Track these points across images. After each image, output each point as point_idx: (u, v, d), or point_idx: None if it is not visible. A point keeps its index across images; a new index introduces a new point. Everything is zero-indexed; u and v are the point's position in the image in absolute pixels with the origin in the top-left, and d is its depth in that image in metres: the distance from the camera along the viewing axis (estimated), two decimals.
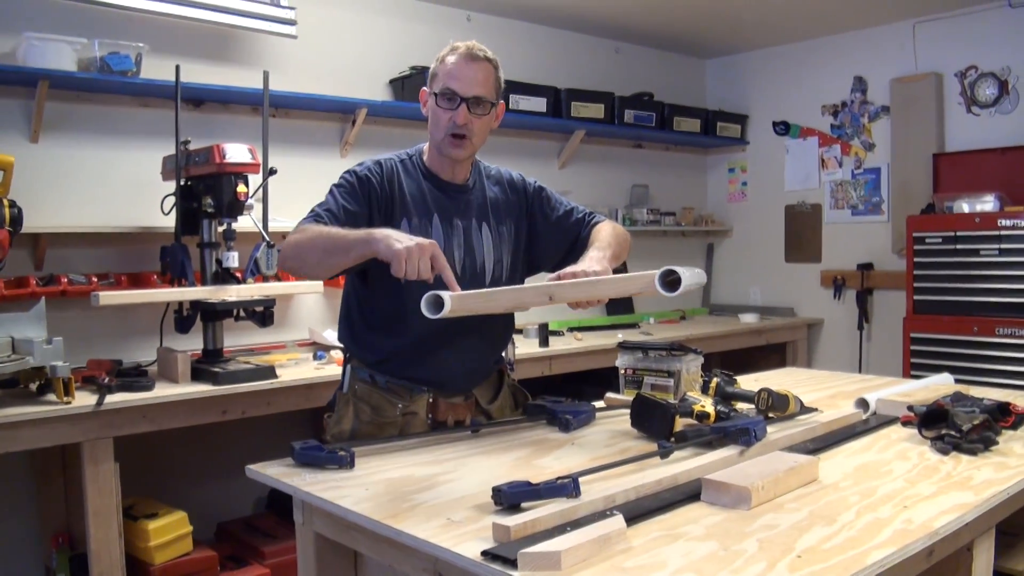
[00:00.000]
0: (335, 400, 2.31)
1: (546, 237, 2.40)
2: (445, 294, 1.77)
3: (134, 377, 3.17)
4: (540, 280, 2.04)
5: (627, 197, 5.96)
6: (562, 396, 2.41)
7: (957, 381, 2.75)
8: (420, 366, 2.22)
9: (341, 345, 2.37)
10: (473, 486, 1.68)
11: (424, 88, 2.23)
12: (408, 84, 4.56)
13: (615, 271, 2.08)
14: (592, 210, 2.47)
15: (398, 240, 1.84)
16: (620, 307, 5.57)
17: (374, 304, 2.24)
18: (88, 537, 2.98)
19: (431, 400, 2.24)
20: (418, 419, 2.22)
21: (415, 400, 2.22)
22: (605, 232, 2.30)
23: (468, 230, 2.25)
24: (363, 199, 2.16)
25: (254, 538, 3.77)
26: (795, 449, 1.90)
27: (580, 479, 1.53)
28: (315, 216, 2.10)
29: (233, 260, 3.40)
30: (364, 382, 2.25)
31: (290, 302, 4.33)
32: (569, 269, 2.03)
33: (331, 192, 2.18)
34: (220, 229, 3.43)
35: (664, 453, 1.75)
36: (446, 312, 1.76)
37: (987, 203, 4.67)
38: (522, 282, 2.38)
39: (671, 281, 1.74)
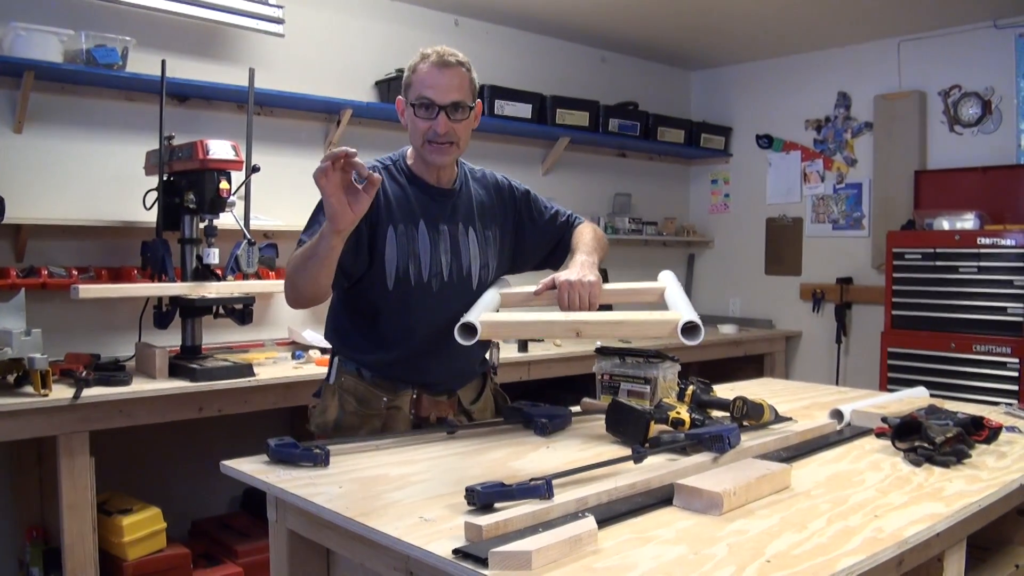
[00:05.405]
0: (321, 390, 2.32)
1: (532, 241, 2.44)
2: (476, 322, 1.78)
3: (112, 371, 3.15)
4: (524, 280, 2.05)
5: (609, 205, 5.99)
6: (540, 401, 2.41)
7: (933, 397, 2.77)
8: (407, 369, 2.24)
9: (321, 345, 2.38)
10: (447, 486, 1.68)
11: (400, 97, 2.22)
12: (394, 86, 4.56)
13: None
14: (573, 212, 2.51)
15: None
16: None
17: (361, 313, 2.24)
18: (62, 531, 2.96)
19: (415, 396, 2.25)
20: (401, 414, 2.24)
21: (400, 395, 2.24)
22: (587, 236, 2.34)
23: (455, 235, 2.25)
24: None
25: (228, 536, 3.76)
26: (768, 457, 1.91)
27: (553, 481, 1.54)
28: (300, 244, 2.11)
29: (214, 257, 3.40)
30: (351, 375, 2.26)
31: (270, 301, 4.31)
32: (563, 276, 2.07)
33: (315, 213, 2.17)
34: (202, 225, 3.43)
35: (638, 458, 1.75)
36: (478, 338, 1.82)
37: (967, 221, 4.72)
38: None
39: (691, 328, 1.79)
